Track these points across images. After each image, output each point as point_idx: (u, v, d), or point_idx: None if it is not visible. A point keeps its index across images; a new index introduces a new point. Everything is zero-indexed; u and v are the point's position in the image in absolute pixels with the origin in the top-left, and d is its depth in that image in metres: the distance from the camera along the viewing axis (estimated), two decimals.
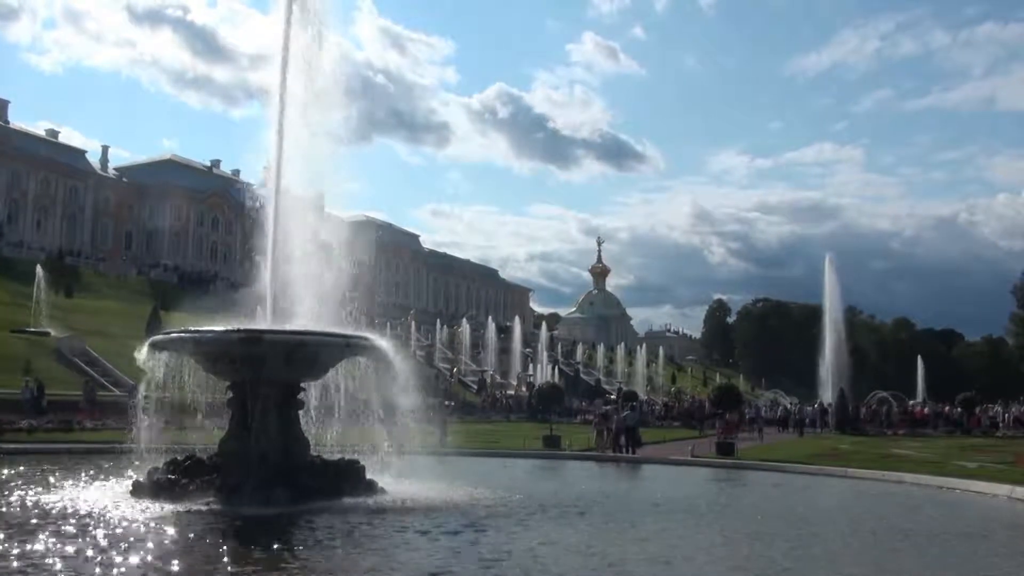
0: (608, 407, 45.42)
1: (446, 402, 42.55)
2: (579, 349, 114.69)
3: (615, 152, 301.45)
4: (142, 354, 18.87)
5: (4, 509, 15.31)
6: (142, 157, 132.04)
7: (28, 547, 11.71)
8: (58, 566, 10.59)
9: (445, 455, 24.39)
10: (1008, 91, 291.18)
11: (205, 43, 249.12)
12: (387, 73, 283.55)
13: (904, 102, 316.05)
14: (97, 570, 10.51)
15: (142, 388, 18.92)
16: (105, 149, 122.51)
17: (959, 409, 57.72)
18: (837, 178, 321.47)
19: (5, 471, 21.27)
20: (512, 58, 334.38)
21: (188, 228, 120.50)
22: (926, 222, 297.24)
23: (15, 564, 10.63)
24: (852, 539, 15.35)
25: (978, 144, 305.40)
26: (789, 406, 66.51)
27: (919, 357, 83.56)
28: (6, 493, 17.29)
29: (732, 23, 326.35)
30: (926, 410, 60.95)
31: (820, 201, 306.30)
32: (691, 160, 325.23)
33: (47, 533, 12.78)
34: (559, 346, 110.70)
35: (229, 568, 10.92)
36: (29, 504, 15.86)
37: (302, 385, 19.06)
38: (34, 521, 13.91)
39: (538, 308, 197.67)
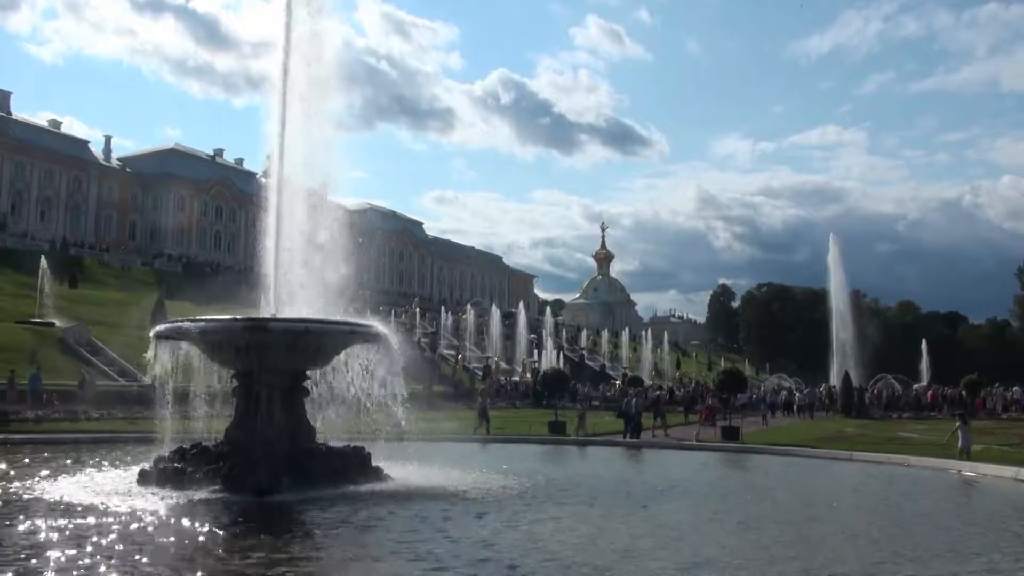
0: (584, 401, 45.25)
1: (486, 397, 41.83)
2: (583, 335, 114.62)
3: (619, 137, 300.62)
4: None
5: (12, 499, 15.38)
6: (145, 147, 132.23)
7: (34, 537, 11.78)
8: (65, 555, 10.64)
9: (455, 442, 24.40)
10: (1012, 72, 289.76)
11: (207, 31, 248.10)
12: (390, 59, 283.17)
13: (907, 84, 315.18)
14: (104, 559, 10.56)
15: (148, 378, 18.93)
16: (108, 139, 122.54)
17: (964, 392, 57.69)
18: (841, 161, 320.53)
19: (14, 461, 21.35)
20: (516, 43, 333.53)
21: (192, 218, 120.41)
22: (930, 205, 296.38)
23: (23, 555, 10.70)
24: (861, 523, 15.40)
25: (982, 126, 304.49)
26: (794, 389, 66.40)
27: (924, 340, 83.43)
28: (14, 483, 17.36)
29: (735, 4, 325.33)
30: (946, 390, 60.53)
31: (824, 185, 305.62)
32: (694, 145, 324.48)
33: (54, 523, 12.85)
34: (564, 332, 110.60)
35: (235, 556, 10.97)
36: (36, 493, 15.93)
37: (307, 373, 19.12)
38: (40, 510, 13.97)
39: (542, 294, 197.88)
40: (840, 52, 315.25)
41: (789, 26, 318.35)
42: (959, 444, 25.36)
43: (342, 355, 19.56)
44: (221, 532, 12.54)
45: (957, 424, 26.33)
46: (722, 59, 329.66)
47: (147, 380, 19.04)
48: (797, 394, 61.77)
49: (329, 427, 20.06)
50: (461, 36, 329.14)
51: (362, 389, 19.48)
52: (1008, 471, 22.03)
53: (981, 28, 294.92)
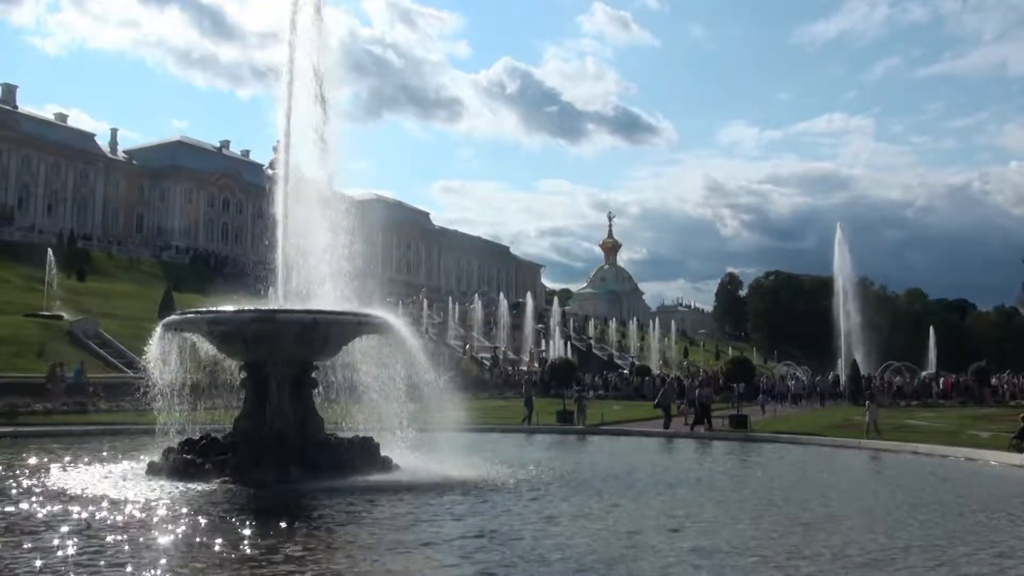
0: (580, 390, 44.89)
1: (531, 386, 41.07)
2: (591, 324, 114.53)
3: (627, 125, 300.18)
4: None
5: (22, 490, 15.43)
6: (152, 139, 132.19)
7: (44, 527, 11.83)
8: (75, 546, 10.69)
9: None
10: (1019, 56, 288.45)
11: (212, 21, 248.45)
12: (396, 49, 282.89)
13: (914, 70, 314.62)
14: (115, 549, 10.60)
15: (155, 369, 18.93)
16: (114, 132, 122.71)
17: (972, 379, 57.65)
18: (848, 148, 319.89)
19: (25, 453, 21.42)
20: (522, 31, 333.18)
21: (199, 210, 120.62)
22: (938, 191, 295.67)
23: (33, 545, 10.74)
24: (866, 510, 15.41)
25: (989, 111, 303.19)
26: (802, 377, 66.13)
27: (931, 328, 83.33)
28: (24, 474, 17.42)
29: None
30: (960, 378, 60.24)
31: (831, 172, 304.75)
32: (700, 133, 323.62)
33: (64, 513, 12.91)
34: (571, 322, 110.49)
35: (245, 545, 11.01)
36: (46, 485, 15.97)
37: (315, 364, 19.15)
38: (50, 501, 14.01)
39: (550, 284, 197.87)
40: (846, 38, 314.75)
41: (794, 11, 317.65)
42: (867, 420, 29.06)
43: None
44: (230, 523, 12.59)
45: (867, 404, 31.24)
46: (728, 45, 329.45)
47: (143, 368, 18.92)
48: (792, 382, 61.46)
49: (340, 417, 20.15)
50: (467, 25, 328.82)
51: (375, 379, 19.53)
52: (1016, 458, 22.03)
53: (988, 12, 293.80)
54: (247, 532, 11.85)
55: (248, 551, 10.71)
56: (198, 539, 11.40)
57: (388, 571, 10.24)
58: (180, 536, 11.57)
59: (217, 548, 10.90)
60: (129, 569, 9.63)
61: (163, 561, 10.03)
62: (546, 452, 25.91)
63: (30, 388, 36.55)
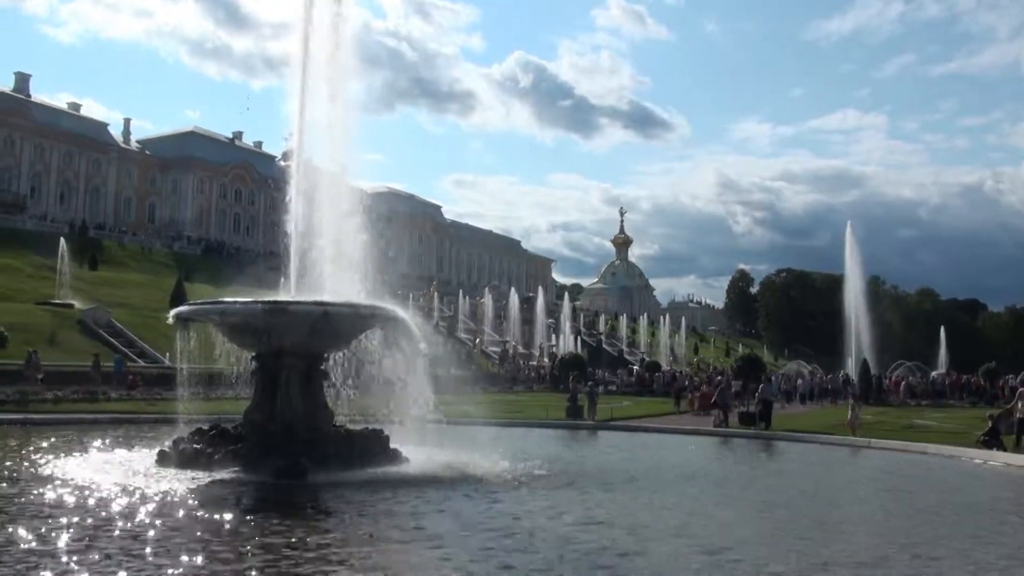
0: (593, 385, 44.55)
1: (576, 383, 40.66)
2: (602, 320, 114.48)
3: (640, 120, 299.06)
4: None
5: (32, 479, 15.49)
6: (164, 129, 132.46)
7: (55, 517, 11.87)
8: (87, 535, 10.73)
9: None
10: None
11: (226, 12, 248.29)
12: (410, 41, 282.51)
13: (928, 67, 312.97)
14: (127, 540, 10.63)
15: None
16: (127, 122, 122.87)
17: (983, 380, 57.52)
18: (861, 146, 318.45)
19: (33, 441, 21.50)
20: (537, 24, 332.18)
21: (211, 200, 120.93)
22: (951, 190, 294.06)
23: (42, 534, 10.77)
24: (873, 512, 15.39)
25: (1003, 110, 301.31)
26: (810, 375, 65.86)
27: (942, 328, 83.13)
28: (34, 463, 17.50)
29: None
30: (970, 379, 60.00)
31: (844, 169, 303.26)
32: (713, 128, 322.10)
33: (74, 503, 12.96)
34: (581, 317, 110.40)
35: (253, 537, 11.03)
36: (56, 473, 16.02)
37: (326, 356, 19.18)
38: (59, 490, 14.05)
39: (560, 278, 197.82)
40: (860, 34, 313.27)
41: (808, 7, 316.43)
42: (848, 418, 29.64)
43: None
44: (240, 513, 12.62)
45: (851, 403, 32.26)
46: (742, 41, 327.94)
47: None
48: (800, 381, 61.24)
49: (350, 409, 20.19)
50: (481, 18, 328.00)
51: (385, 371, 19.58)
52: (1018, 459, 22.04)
53: (1003, 10, 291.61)
54: (255, 523, 11.88)
55: (256, 542, 10.72)
56: (205, 530, 11.42)
57: (395, 563, 10.25)
58: (188, 526, 11.59)
59: (225, 538, 10.94)
60: (137, 558, 9.65)
61: (171, 550, 10.06)
62: (555, 447, 25.90)
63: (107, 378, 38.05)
